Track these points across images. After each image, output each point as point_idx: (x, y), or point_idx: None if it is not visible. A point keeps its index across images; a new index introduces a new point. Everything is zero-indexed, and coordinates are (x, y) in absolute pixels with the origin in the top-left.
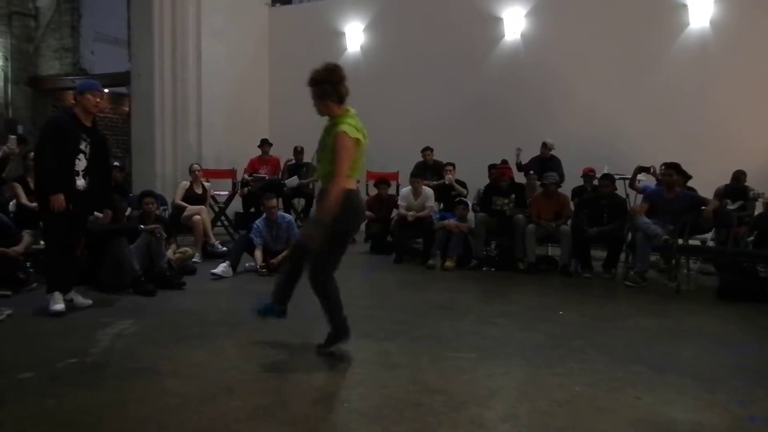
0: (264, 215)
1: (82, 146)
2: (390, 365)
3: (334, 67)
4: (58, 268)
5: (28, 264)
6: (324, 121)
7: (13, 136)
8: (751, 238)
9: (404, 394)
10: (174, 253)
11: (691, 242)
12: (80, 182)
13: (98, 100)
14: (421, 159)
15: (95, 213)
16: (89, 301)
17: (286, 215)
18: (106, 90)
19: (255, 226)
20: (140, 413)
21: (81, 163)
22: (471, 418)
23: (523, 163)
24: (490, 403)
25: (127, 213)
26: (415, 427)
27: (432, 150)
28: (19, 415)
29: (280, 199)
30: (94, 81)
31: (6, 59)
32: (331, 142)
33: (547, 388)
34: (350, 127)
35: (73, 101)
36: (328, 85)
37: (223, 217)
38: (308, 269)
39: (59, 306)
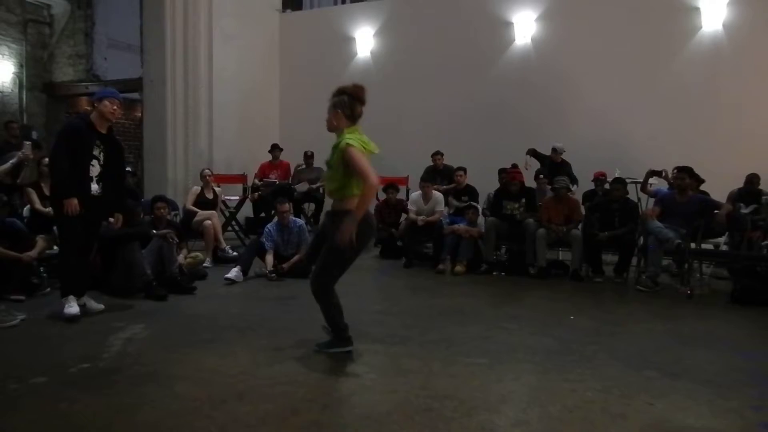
0: (276, 219)
1: (96, 152)
2: (400, 370)
3: (361, 86)
4: (73, 272)
5: (41, 269)
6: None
7: (27, 142)
8: (766, 242)
9: (414, 399)
10: (185, 257)
11: (704, 246)
12: (94, 187)
13: (115, 107)
14: (431, 163)
15: (109, 219)
16: (102, 306)
17: (298, 220)
18: None
19: (267, 230)
20: (152, 418)
21: (95, 169)
22: (481, 423)
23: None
24: (501, 409)
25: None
26: None
27: (442, 154)
28: (32, 420)
29: (291, 204)
30: (113, 89)
31: (21, 66)
32: (335, 159)
33: (558, 394)
34: (354, 140)
35: (91, 107)
36: (347, 96)
37: (233, 222)
38: (316, 273)
39: (74, 310)
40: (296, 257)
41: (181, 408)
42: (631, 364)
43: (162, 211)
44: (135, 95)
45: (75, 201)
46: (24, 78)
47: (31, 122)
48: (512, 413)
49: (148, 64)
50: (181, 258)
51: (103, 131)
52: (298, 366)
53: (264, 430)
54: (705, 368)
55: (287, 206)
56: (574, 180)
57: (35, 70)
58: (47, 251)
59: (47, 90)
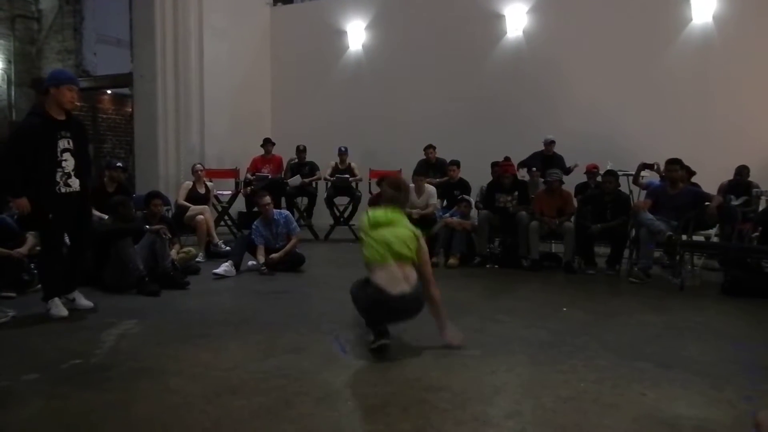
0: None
1: (65, 144)
2: (394, 363)
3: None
4: (53, 274)
5: (32, 265)
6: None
7: None
8: (756, 233)
9: (408, 391)
10: (177, 253)
11: (695, 238)
12: (74, 182)
13: (74, 95)
14: (424, 157)
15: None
16: (91, 304)
17: (283, 211)
18: (108, 91)
19: (254, 227)
20: (145, 413)
21: (69, 163)
22: (475, 415)
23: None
24: (494, 400)
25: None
26: (419, 424)
27: (434, 147)
28: (24, 417)
29: (283, 198)
30: (71, 73)
31: (9, 62)
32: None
33: (551, 385)
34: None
35: (45, 93)
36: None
37: (226, 217)
38: None
39: (62, 312)
40: (287, 247)
41: (175, 403)
42: (623, 355)
43: (158, 207)
44: (125, 91)
45: (25, 200)
46: (12, 74)
47: (20, 118)
48: (506, 404)
49: (137, 59)
50: (173, 253)
51: (62, 118)
52: (292, 359)
53: (258, 424)
54: (697, 359)
55: (267, 198)
56: (564, 171)
57: (24, 66)
58: (37, 248)
59: (36, 86)
